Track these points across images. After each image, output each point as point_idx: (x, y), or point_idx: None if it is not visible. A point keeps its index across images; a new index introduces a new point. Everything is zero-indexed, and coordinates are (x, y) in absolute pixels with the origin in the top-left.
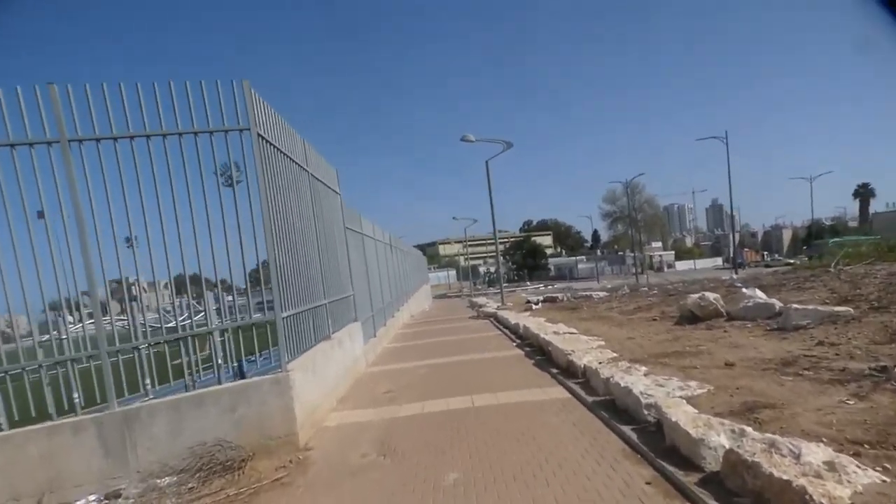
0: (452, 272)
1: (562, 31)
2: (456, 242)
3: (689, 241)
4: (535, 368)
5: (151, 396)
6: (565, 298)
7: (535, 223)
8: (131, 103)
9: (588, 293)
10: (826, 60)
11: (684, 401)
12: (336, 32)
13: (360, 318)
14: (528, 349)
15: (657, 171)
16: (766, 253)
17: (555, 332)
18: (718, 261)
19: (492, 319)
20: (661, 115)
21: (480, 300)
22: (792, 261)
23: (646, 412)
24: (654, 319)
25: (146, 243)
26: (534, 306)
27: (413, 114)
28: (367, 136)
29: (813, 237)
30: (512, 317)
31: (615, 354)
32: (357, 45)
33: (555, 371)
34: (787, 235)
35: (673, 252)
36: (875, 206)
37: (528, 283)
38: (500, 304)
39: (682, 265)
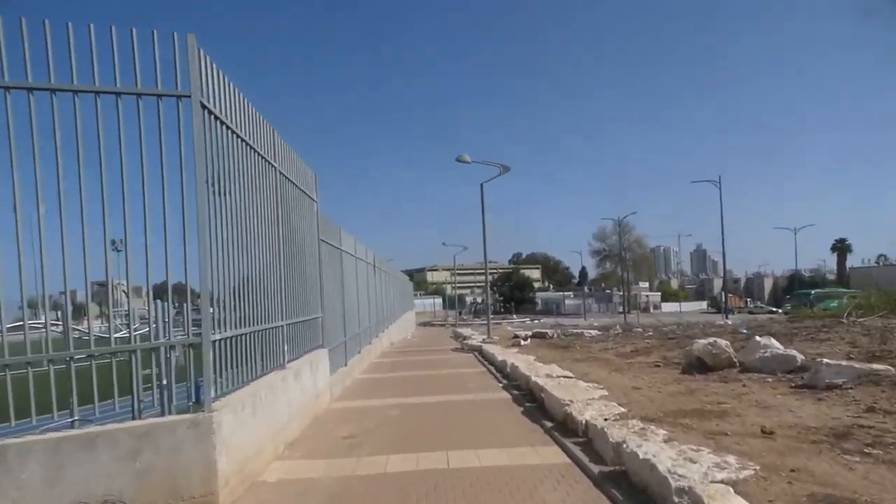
0: (439, 300)
1: (562, 59)
2: (444, 270)
3: (674, 284)
4: (525, 418)
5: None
6: (555, 335)
7: (524, 256)
8: (36, 46)
9: (579, 331)
10: (815, 122)
11: (730, 488)
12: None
13: (330, 343)
14: (515, 392)
15: (645, 212)
16: (749, 299)
17: (548, 375)
18: (703, 304)
19: (476, 353)
20: (653, 153)
21: (465, 331)
22: (775, 309)
23: (677, 500)
24: (657, 365)
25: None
26: (522, 342)
27: (410, 130)
28: (357, 151)
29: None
30: (498, 352)
31: (622, 409)
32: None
33: (549, 424)
34: (767, 284)
35: (659, 293)
36: (851, 261)
37: (514, 315)
38: (486, 338)
39: (667, 307)
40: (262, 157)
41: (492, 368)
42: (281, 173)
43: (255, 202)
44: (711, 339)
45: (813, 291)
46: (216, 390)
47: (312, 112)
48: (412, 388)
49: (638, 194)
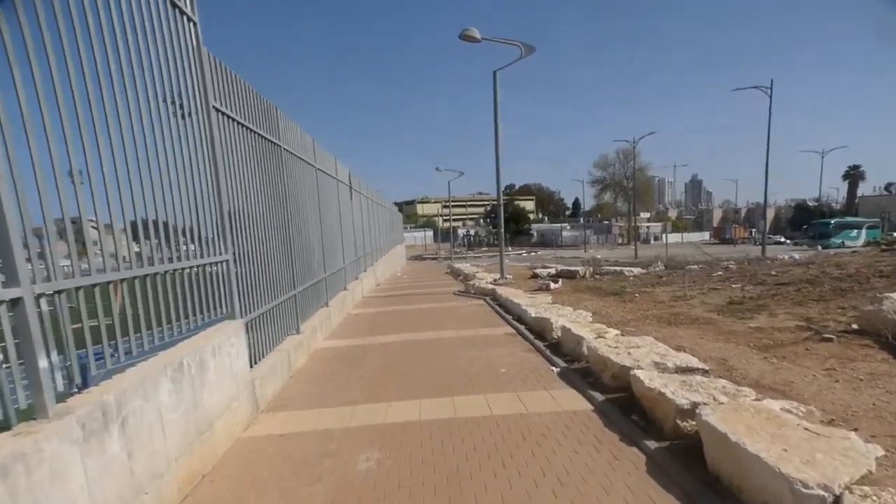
0: (430, 233)
1: None
2: (435, 202)
3: (671, 214)
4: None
5: None
6: (587, 273)
7: (517, 187)
8: None
9: (616, 268)
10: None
11: None
12: None
13: (256, 309)
14: (600, 395)
15: (642, 141)
16: (753, 230)
17: (660, 359)
18: (705, 235)
19: (489, 300)
20: (666, 76)
21: (464, 267)
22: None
23: None
24: (811, 331)
25: None
26: (551, 284)
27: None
28: (345, 63)
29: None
30: (523, 300)
31: None
32: None
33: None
34: (770, 214)
35: (660, 224)
36: (863, 190)
37: (510, 248)
38: (498, 277)
39: (668, 238)
40: None
41: (523, 329)
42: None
43: None
44: None
45: (832, 221)
46: None
47: None
48: (403, 377)
49: (631, 123)
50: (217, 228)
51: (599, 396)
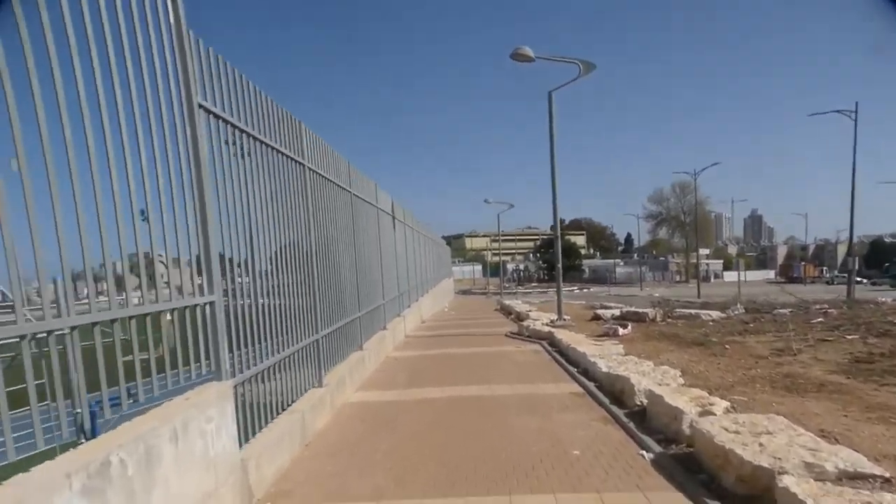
0: (478, 267)
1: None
2: (484, 236)
3: (731, 250)
4: None
5: None
6: (657, 316)
7: (566, 222)
8: None
9: (689, 311)
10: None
11: None
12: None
13: (258, 363)
14: (701, 477)
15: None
16: (824, 268)
17: (810, 455)
18: (770, 273)
19: (545, 346)
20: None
21: (515, 304)
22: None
23: None
24: None
25: None
26: (621, 330)
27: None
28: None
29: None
30: (587, 347)
31: None
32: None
33: None
34: (841, 251)
35: (721, 261)
36: None
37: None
38: (555, 318)
39: (729, 275)
40: None
41: (593, 388)
42: None
43: None
44: None
45: None
46: None
47: None
48: (440, 461)
49: (685, 156)
50: (199, 262)
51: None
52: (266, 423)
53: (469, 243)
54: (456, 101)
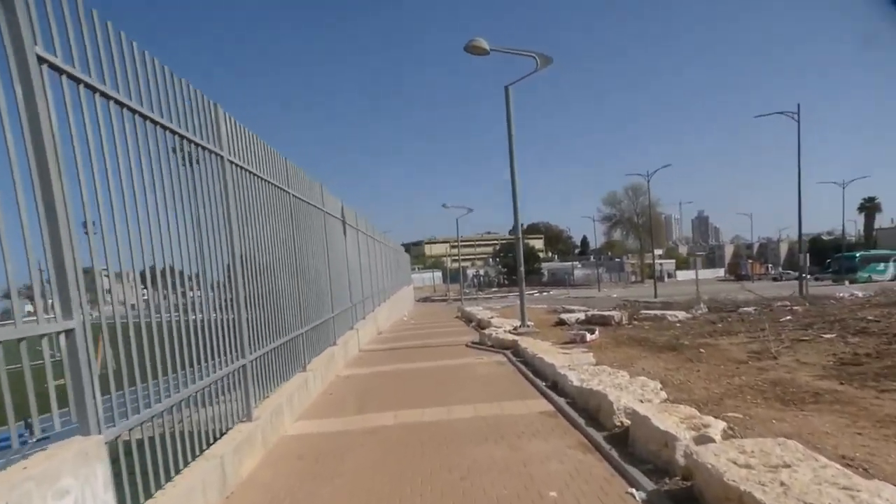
0: (438, 273)
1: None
2: (443, 242)
3: (682, 251)
4: None
5: None
6: (623, 319)
7: (525, 226)
8: None
9: (654, 312)
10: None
11: None
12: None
13: (151, 406)
14: None
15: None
16: (770, 265)
17: (844, 495)
18: (720, 272)
19: (510, 355)
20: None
21: (477, 311)
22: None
23: None
24: None
25: None
26: (588, 335)
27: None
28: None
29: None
30: (554, 357)
31: None
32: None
33: None
34: (783, 249)
35: (673, 261)
36: (880, 222)
37: None
38: (518, 325)
39: (682, 275)
40: None
41: (564, 405)
42: None
43: None
44: None
45: (858, 254)
46: None
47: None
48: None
49: (637, 161)
50: (49, 274)
51: None
52: (169, 477)
53: (429, 250)
54: (413, 104)
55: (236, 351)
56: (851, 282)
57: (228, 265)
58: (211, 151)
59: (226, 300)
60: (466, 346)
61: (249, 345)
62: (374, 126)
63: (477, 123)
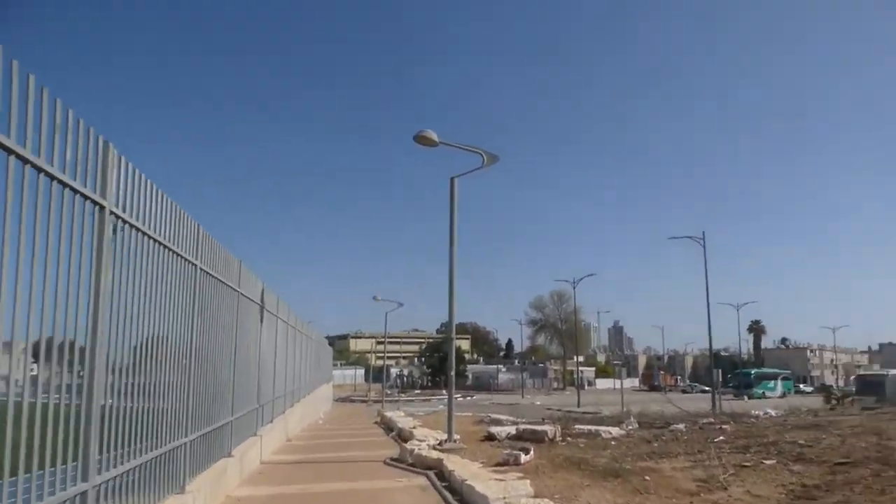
0: (361, 371)
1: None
2: (370, 337)
3: (600, 358)
4: None
5: None
6: (556, 434)
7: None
8: None
9: (588, 427)
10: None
11: None
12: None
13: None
14: None
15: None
16: (678, 377)
17: None
18: (635, 381)
19: (433, 478)
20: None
21: (397, 416)
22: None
23: None
24: None
25: None
26: (522, 457)
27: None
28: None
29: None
30: (487, 484)
31: None
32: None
33: None
34: (689, 362)
35: (593, 368)
36: (764, 343)
37: (444, 391)
38: (444, 439)
39: (602, 383)
40: None
41: None
42: None
43: None
44: None
45: (752, 372)
46: None
47: None
48: None
49: (566, 264)
50: None
51: None
52: None
53: (354, 344)
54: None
55: (74, 462)
56: (749, 397)
57: (82, 345)
58: (87, 198)
59: (71, 384)
60: (384, 462)
61: (95, 464)
62: (302, 206)
63: (413, 213)
